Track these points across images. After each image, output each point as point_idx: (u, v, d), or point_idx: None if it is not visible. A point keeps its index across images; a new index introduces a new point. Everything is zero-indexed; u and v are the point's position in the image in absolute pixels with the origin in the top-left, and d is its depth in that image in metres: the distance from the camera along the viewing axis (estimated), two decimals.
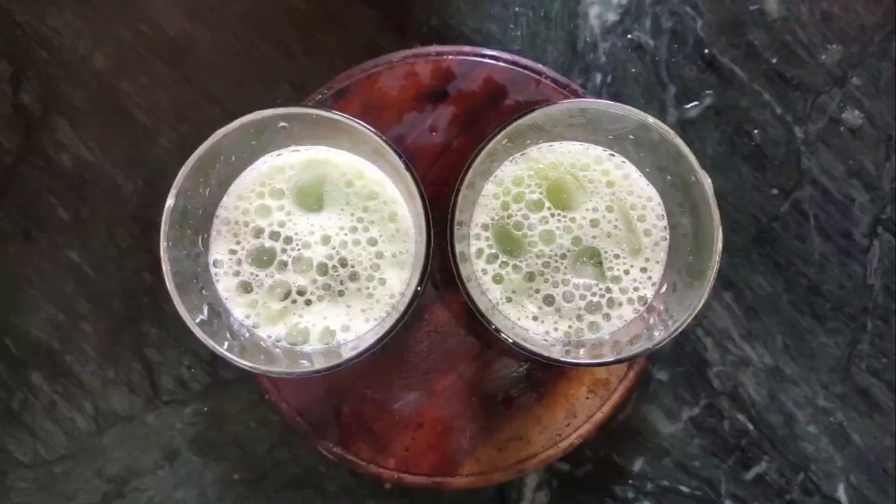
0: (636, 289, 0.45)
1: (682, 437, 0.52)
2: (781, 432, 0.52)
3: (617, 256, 0.45)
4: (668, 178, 0.43)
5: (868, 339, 0.52)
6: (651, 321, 0.43)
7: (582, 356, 0.43)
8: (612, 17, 0.52)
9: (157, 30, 0.52)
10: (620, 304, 0.45)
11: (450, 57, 0.48)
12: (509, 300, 0.45)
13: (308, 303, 0.44)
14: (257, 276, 0.44)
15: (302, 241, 0.45)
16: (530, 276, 0.45)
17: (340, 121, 0.40)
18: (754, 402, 0.52)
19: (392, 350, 0.48)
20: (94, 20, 0.52)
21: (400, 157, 0.40)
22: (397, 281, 0.45)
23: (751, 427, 0.52)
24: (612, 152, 0.45)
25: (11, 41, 0.52)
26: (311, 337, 0.44)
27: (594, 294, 0.45)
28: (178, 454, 0.52)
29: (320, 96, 0.48)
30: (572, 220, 0.45)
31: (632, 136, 0.43)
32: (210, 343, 0.39)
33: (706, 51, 0.52)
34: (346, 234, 0.45)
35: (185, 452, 0.52)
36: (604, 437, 0.52)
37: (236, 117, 0.40)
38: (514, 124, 0.41)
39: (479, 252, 0.45)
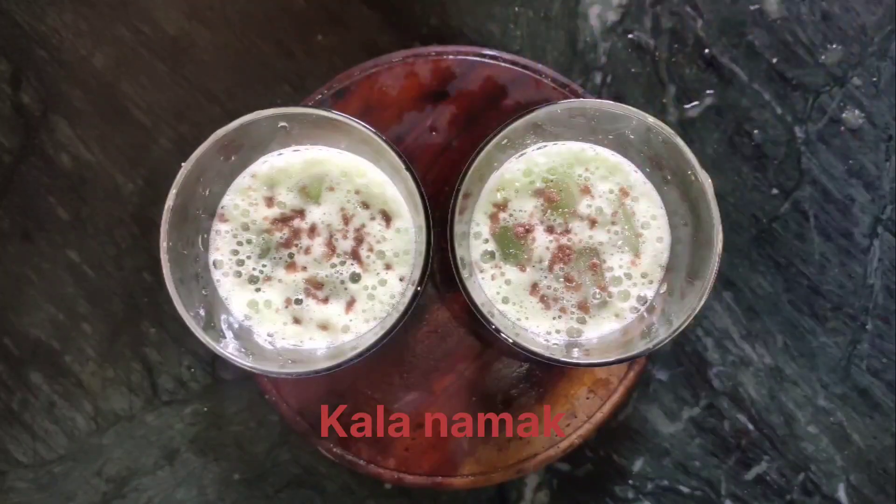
0: (636, 289, 0.45)
1: (682, 437, 0.52)
2: (781, 432, 0.52)
3: (617, 256, 0.45)
4: (668, 177, 0.43)
5: (868, 339, 0.52)
6: (651, 321, 0.43)
7: (582, 356, 0.43)
8: (612, 17, 0.52)
9: (157, 30, 0.52)
10: (620, 305, 0.45)
11: (450, 57, 0.48)
12: (509, 300, 0.45)
13: (308, 302, 0.44)
14: (257, 276, 0.44)
15: (301, 241, 0.45)
16: (530, 276, 0.45)
17: (340, 121, 0.40)
18: (754, 402, 0.52)
19: (392, 350, 0.48)
20: (94, 20, 0.52)
21: (400, 157, 0.40)
22: (397, 281, 0.45)
23: (751, 427, 0.52)
24: (612, 152, 0.45)
25: (11, 41, 0.52)
26: (310, 336, 0.44)
27: (594, 294, 0.45)
28: (178, 454, 0.52)
29: (320, 96, 0.48)
30: (572, 220, 0.45)
31: (632, 136, 0.43)
32: (210, 343, 0.39)
33: (706, 51, 0.52)
34: (345, 234, 0.45)
35: (185, 452, 0.52)
36: (604, 437, 0.52)
37: (236, 117, 0.40)
38: (514, 124, 0.41)
39: (479, 252, 0.45)
